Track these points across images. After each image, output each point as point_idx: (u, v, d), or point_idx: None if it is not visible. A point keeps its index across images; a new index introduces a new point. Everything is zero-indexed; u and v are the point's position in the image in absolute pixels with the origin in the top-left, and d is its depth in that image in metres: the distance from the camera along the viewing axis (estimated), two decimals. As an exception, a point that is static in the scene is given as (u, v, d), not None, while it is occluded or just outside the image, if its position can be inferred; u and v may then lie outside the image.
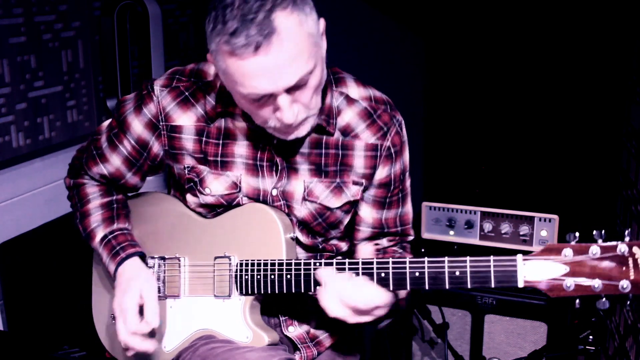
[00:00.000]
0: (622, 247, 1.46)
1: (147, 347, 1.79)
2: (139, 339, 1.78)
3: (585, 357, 2.47)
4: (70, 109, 2.71)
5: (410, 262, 1.62)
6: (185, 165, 1.84)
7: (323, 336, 1.96)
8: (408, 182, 1.94)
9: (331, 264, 1.69)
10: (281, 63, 1.50)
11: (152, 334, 1.80)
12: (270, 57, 1.49)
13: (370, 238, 1.95)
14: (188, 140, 1.82)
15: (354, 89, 1.83)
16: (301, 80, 1.55)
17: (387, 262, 1.64)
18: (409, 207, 1.96)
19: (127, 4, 2.80)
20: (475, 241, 2.67)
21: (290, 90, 1.56)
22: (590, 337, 2.45)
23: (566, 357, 2.45)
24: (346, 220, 1.90)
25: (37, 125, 2.56)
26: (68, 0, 2.62)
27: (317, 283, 1.69)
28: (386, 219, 1.92)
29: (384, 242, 1.95)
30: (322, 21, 1.61)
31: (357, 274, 1.65)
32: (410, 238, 2.00)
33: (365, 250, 1.94)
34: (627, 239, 1.47)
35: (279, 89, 1.54)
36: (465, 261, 1.58)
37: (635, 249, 1.45)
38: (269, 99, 1.57)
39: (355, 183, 1.84)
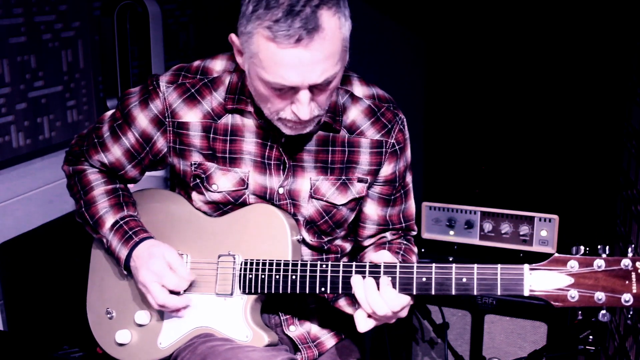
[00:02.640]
0: (626, 262, 1.49)
1: (185, 302, 1.82)
2: (174, 299, 1.80)
3: (585, 357, 2.46)
4: (70, 109, 2.71)
5: (418, 268, 1.63)
6: (192, 162, 1.84)
7: (324, 337, 1.96)
8: (409, 178, 1.96)
9: (338, 266, 1.69)
10: (315, 60, 1.53)
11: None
12: (308, 53, 1.51)
13: (375, 235, 1.97)
14: (195, 137, 1.83)
15: (358, 88, 1.86)
16: (326, 80, 1.57)
17: (395, 266, 1.65)
18: (411, 203, 1.98)
19: (127, 4, 2.80)
20: (475, 241, 2.67)
21: (312, 88, 1.58)
22: (590, 337, 2.45)
23: (566, 357, 2.45)
24: (351, 218, 1.92)
25: (37, 125, 2.56)
26: (68, 0, 2.62)
27: (323, 286, 1.70)
28: (390, 215, 1.94)
29: (388, 235, 1.98)
30: (350, 21, 1.62)
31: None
32: (414, 233, 2.03)
33: (381, 252, 1.95)
34: (630, 254, 1.51)
35: (305, 85, 1.56)
36: (472, 268, 1.59)
37: (638, 264, 1.49)
38: (290, 91, 1.58)
39: (360, 180, 1.86)
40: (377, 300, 1.62)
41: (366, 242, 1.98)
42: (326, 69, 1.56)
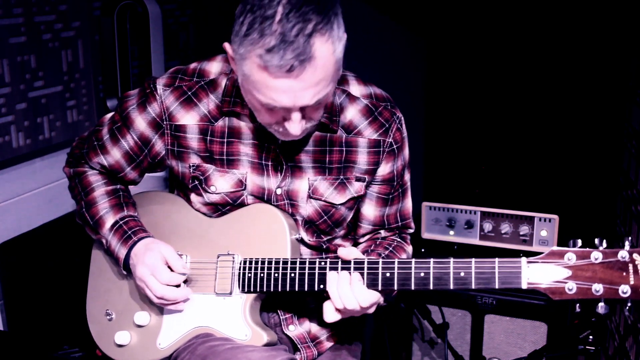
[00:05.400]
0: (623, 253, 1.50)
1: (184, 294, 1.82)
2: (172, 290, 1.80)
3: (585, 357, 2.47)
4: (70, 109, 2.71)
5: (416, 263, 1.64)
6: (191, 164, 1.85)
7: (324, 336, 1.96)
8: (407, 176, 1.97)
9: (336, 263, 1.70)
10: (306, 87, 1.54)
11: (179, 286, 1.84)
12: (299, 80, 1.52)
13: (369, 233, 1.98)
14: (193, 140, 1.83)
15: (355, 87, 1.86)
16: (317, 102, 1.59)
17: (393, 262, 1.65)
18: (408, 202, 1.99)
19: (127, 4, 2.80)
20: (475, 241, 2.67)
21: (303, 108, 1.59)
22: (590, 337, 2.45)
23: (566, 357, 2.45)
24: (349, 217, 1.93)
25: (37, 125, 2.56)
26: (68, 0, 2.62)
27: (322, 283, 1.71)
28: (387, 215, 1.95)
29: (382, 232, 1.99)
30: (345, 37, 1.61)
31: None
32: (411, 231, 2.03)
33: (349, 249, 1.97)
34: (627, 246, 1.51)
35: (296, 107, 1.58)
36: (470, 262, 1.60)
37: (635, 256, 1.49)
38: (281, 109, 1.60)
39: (358, 179, 1.86)
40: (347, 294, 1.66)
41: (361, 240, 2.00)
42: (317, 92, 1.57)
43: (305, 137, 1.80)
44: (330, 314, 1.71)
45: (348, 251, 1.71)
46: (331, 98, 1.70)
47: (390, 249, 1.92)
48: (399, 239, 1.99)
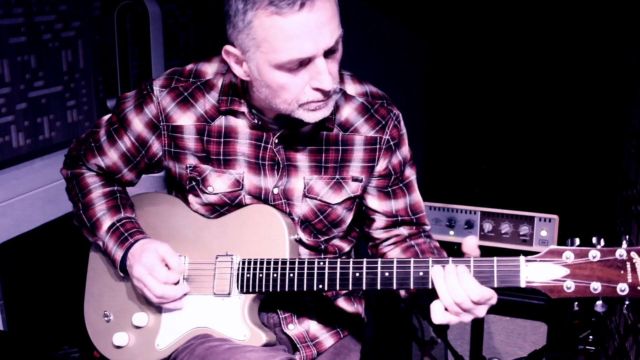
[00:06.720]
0: (621, 252, 1.50)
1: (183, 291, 1.82)
2: (172, 288, 1.81)
3: (585, 357, 2.47)
4: (70, 109, 2.71)
5: (415, 262, 1.63)
6: (188, 165, 1.85)
7: (323, 336, 1.96)
8: (409, 172, 1.93)
9: (335, 263, 1.69)
10: (322, 22, 1.54)
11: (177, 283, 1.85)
12: (314, 14, 1.53)
13: (387, 227, 1.93)
14: (190, 140, 1.83)
15: (350, 86, 1.86)
16: (336, 43, 1.59)
17: (392, 262, 1.65)
18: (416, 196, 1.95)
19: (127, 4, 2.80)
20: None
21: (325, 55, 1.59)
22: (590, 337, 2.45)
23: (566, 357, 2.45)
24: (348, 218, 1.91)
25: (37, 125, 2.57)
26: (68, 0, 2.63)
27: (320, 283, 1.70)
28: (397, 210, 1.91)
29: (403, 231, 1.93)
30: None
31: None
32: (428, 228, 1.98)
33: (396, 251, 1.91)
34: (625, 244, 1.51)
35: (320, 50, 1.57)
36: (469, 261, 1.59)
37: (633, 254, 1.50)
38: (306, 66, 1.59)
39: (354, 179, 1.85)
40: (455, 287, 1.55)
41: (379, 235, 1.93)
42: (334, 29, 1.57)
43: (301, 135, 1.80)
44: (438, 314, 1.57)
45: (470, 244, 1.61)
46: (341, 54, 1.67)
47: (436, 251, 1.86)
48: (428, 240, 1.92)
